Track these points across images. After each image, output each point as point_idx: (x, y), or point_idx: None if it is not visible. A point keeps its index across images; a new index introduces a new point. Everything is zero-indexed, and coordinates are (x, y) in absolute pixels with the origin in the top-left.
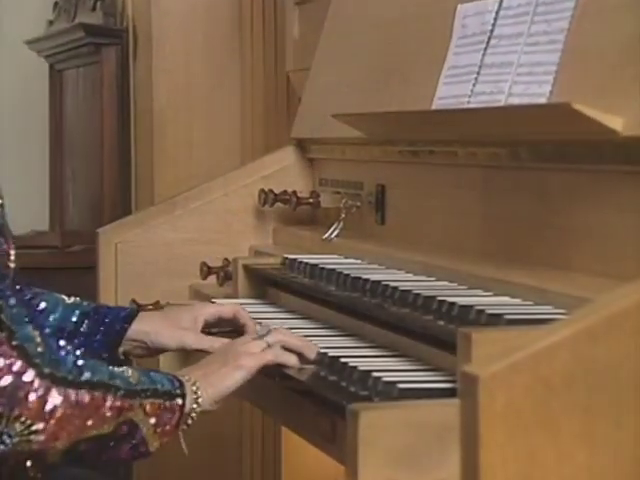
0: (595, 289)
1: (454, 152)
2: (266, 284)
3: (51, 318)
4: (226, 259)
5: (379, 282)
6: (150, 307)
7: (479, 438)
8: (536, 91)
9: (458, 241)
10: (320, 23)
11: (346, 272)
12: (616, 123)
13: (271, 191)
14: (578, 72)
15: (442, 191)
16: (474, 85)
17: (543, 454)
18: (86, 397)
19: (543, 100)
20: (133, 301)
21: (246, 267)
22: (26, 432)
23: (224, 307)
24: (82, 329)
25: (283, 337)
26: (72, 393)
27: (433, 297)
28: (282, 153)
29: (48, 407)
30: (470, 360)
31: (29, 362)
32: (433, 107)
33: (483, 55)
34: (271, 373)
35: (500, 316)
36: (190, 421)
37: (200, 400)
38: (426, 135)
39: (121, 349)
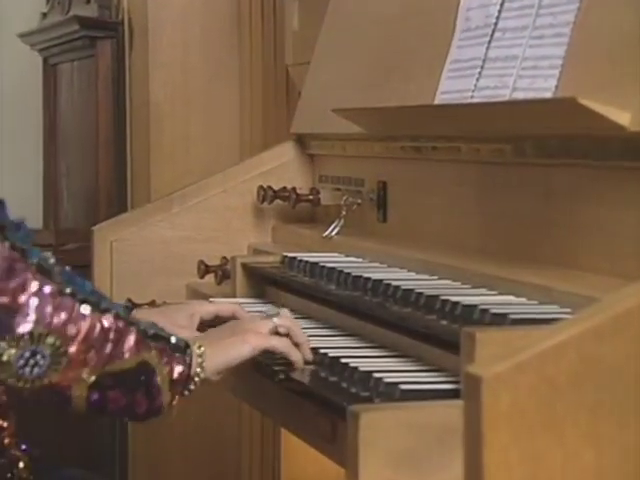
0: (602, 288)
1: (457, 148)
2: (265, 283)
3: None
4: (224, 257)
5: (380, 281)
6: (146, 306)
7: (483, 440)
8: (541, 85)
9: (461, 239)
10: (320, 15)
11: (347, 271)
12: (623, 118)
13: (270, 188)
14: (584, 66)
15: (445, 188)
16: (478, 79)
17: (549, 456)
18: (111, 324)
19: (548, 95)
20: (129, 300)
21: (245, 266)
22: (56, 351)
23: (222, 306)
24: None
25: (290, 324)
26: (96, 317)
27: (436, 296)
28: (281, 149)
29: (74, 326)
30: (474, 360)
31: (50, 278)
32: (436, 102)
33: (487, 49)
34: (269, 371)
35: (504, 315)
36: (192, 387)
37: (204, 365)
38: (428, 131)
39: None
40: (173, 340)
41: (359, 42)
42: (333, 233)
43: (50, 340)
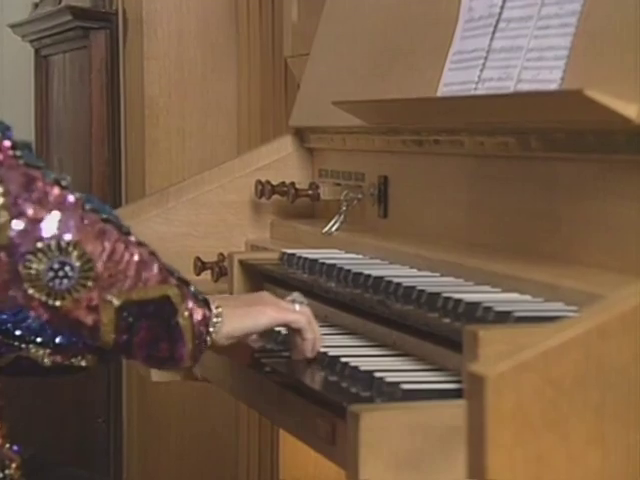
0: (608, 285)
1: (460, 141)
2: (263, 280)
3: None
4: (221, 254)
5: (381, 278)
6: None
7: (486, 441)
8: (547, 77)
9: (464, 235)
10: (320, 6)
11: (347, 267)
12: (631, 111)
13: (268, 183)
14: (591, 57)
15: (447, 182)
16: (481, 71)
17: (553, 457)
18: (134, 248)
19: (554, 86)
20: None
21: (242, 262)
22: (84, 265)
23: None
24: None
25: (309, 315)
26: (120, 237)
27: (438, 294)
28: (280, 143)
29: (99, 242)
30: (477, 359)
31: (72, 193)
32: (438, 94)
33: (491, 39)
34: (268, 371)
35: (509, 313)
36: (204, 345)
37: (218, 325)
38: (431, 124)
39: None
40: (192, 289)
41: (359, 33)
42: (333, 229)
43: (77, 252)
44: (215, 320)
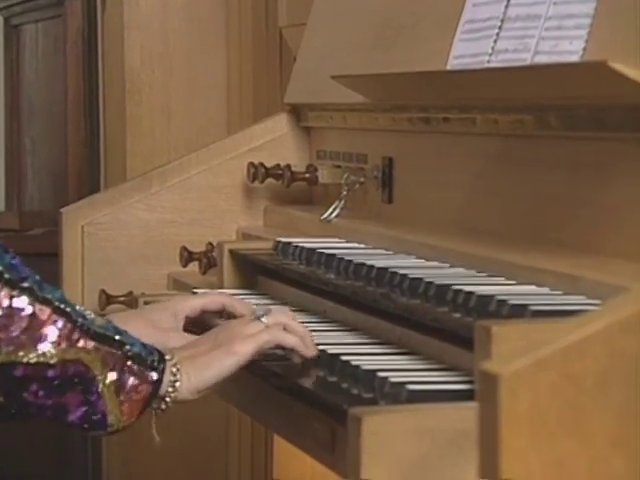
0: (634, 276)
1: (472, 119)
2: (256, 272)
3: None
4: (210, 243)
5: (386, 269)
6: (122, 299)
7: (500, 445)
8: (567, 48)
9: (477, 221)
10: None
11: (348, 258)
12: None
13: (262, 165)
14: (615, 26)
15: (458, 164)
16: (495, 42)
17: (573, 462)
18: (27, 306)
19: (575, 58)
20: (102, 292)
21: (233, 252)
22: None
23: (209, 298)
24: None
25: (285, 319)
26: (7, 292)
27: (448, 286)
28: (274, 121)
29: None
30: (490, 357)
31: None
32: (448, 67)
33: (506, 7)
34: (260, 371)
35: (525, 307)
36: (164, 406)
37: (177, 385)
38: (440, 100)
39: None
40: (133, 348)
41: (361, 0)
42: (332, 216)
43: None
44: (172, 379)
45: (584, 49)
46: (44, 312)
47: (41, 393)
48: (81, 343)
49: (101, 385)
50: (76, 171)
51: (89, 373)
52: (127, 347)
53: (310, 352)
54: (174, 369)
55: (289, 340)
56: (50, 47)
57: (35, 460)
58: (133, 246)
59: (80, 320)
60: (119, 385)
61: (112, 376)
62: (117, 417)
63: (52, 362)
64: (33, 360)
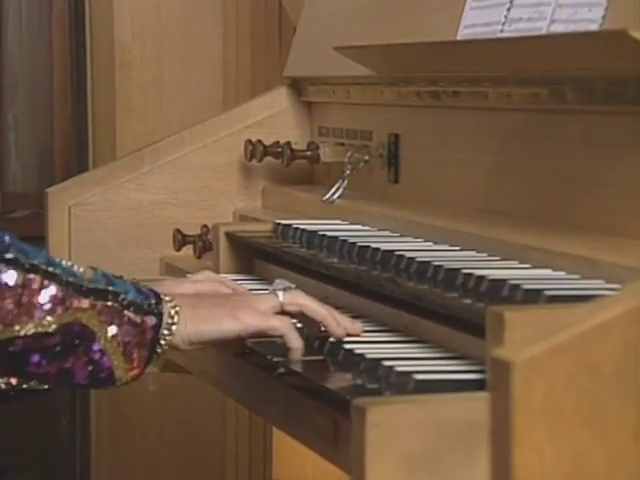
0: None
1: (484, 93)
2: (253, 256)
3: None
4: (205, 226)
5: (392, 252)
6: None
7: (513, 437)
8: (585, 16)
9: (488, 202)
10: None
11: (351, 240)
12: None
13: (260, 142)
14: None
15: (469, 141)
16: (509, 10)
17: (590, 454)
18: (16, 278)
19: (594, 27)
20: None
21: (229, 235)
22: None
23: (204, 284)
24: None
25: (303, 300)
26: None
27: (457, 270)
28: (273, 96)
29: None
30: (502, 344)
31: None
32: (458, 37)
33: None
34: (261, 362)
35: (539, 292)
36: (160, 350)
37: (174, 328)
38: (450, 72)
39: None
40: (130, 296)
41: None
42: (335, 196)
43: None
44: (170, 321)
45: (603, 17)
46: (34, 281)
47: (44, 362)
48: (76, 304)
49: (102, 341)
50: (62, 149)
51: (88, 331)
52: (122, 296)
53: (351, 329)
54: (172, 311)
55: (294, 341)
56: (34, 18)
57: (14, 451)
58: (123, 229)
59: (71, 279)
60: (120, 338)
61: (112, 330)
62: (124, 370)
63: (50, 330)
64: (31, 332)
